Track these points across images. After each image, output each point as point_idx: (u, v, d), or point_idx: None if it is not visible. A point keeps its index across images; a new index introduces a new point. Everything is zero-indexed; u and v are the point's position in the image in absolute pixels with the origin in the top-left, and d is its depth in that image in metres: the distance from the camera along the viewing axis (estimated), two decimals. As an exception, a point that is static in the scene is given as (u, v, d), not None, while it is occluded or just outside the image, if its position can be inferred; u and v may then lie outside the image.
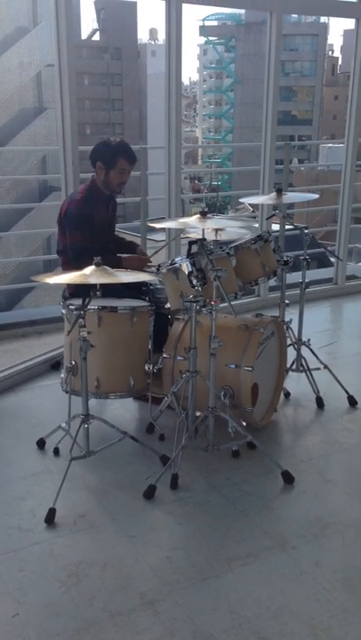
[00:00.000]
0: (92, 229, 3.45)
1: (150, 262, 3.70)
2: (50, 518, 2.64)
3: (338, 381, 3.77)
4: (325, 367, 3.78)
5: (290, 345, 3.71)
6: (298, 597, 2.26)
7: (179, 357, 3.27)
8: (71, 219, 3.44)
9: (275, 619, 2.17)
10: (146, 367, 3.19)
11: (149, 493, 2.81)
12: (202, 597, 2.26)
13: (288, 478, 2.94)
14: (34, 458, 3.14)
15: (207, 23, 51.19)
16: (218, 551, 2.49)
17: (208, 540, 2.56)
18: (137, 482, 2.90)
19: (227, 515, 2.72)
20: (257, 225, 5.34)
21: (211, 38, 52.50)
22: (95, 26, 43.43)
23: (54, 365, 4.12)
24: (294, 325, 3.78)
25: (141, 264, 3.60)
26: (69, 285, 3.53)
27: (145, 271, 3.39)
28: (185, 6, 4.46)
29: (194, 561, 2.43)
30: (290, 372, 3.77)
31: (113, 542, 2.54)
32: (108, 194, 3.60)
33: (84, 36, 42.53)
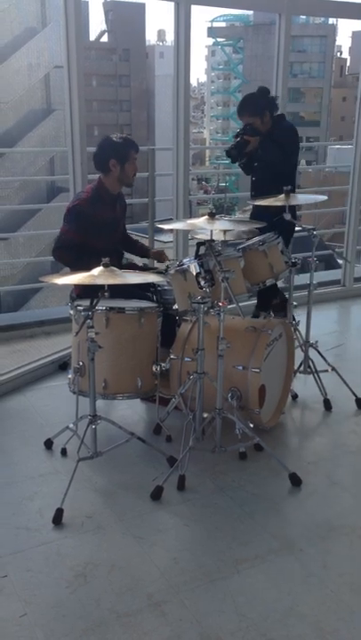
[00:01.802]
0: (92, 229, 3.47)
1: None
2: (57, 519, 2.65)
3: (345, 383, 3.76)
4: (333, 369, 3.77)
5: (297, 347, 3.70)
6: (305, 600, 2.26)
7: (186, 358, 3.27)
8: (71, 213, 3.48)
9: (282, 621, 2.16)
10: (153, 368, 3.20)
11: (156, 495, 2.81)
12: (209, 599, 2.26)
13: (295, 480, 2.93)
14: (41, 458, 3.15)
15: (215, 24, 51.21)
16: (225, 553, 2.48)
17: (215, 541, 2.56)
18: (144, 483, 2.90)
19: (234, 516, 2.71)
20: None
21: (219, 39, 52.47)
22: (103, 27, 43.53)
23: (62, 366, 4.13)
24: (302, 327, 3.78)
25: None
26: (77, 286, 3.53)
27: (152, 272, 3.41)
28: (194, 7, 4.46)
29: (201, 563, 2.43)
30: (297, 374, 3.76)
31: (120, 543, 2.55)
32: (116, 193, 3.62)
33: (92, 37, 42.61)
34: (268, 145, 3.87)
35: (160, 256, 3.91)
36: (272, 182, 3.89)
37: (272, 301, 4.25)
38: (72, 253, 3.46)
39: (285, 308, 4.00)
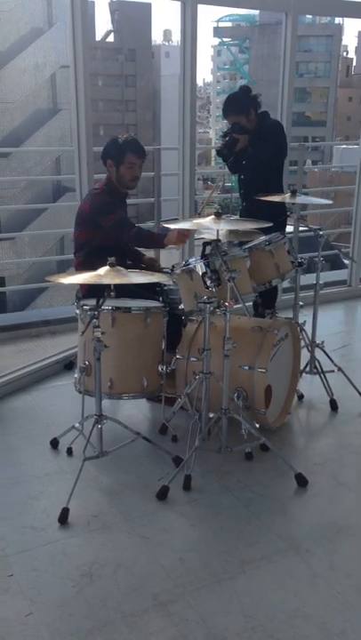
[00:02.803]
0: (118, 210, 3.48)
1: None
2: (63, 518, 2.65)
3: (352, 384, 3.75)
4: (339, 369, 3.76)
5: (304, 347, 3.70)
6: (311, 601, 2.25)
7: (192, 358, 3.26)
8: (98, 206, 3.47)
9: (288, 622, 2.15)
10: (159, 368, 3.19)
11: (162, 494, 2.81)
12: (215, 600, 2.25)
13: (301, 481, 2.93)
14: (47, 458, 3.15)
15: (221, 24, 51.21)
16: (231, 553, 2.48)
17: (221, 542, 2.56)
18: (150, 483, 2.90)
19: (240, 517, 2.71)
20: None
21: (225, 39, 52.49)
22: (109, 27, 43.56)
23: (68, 365, 4.13)
24: (308, 327, 3.77)
25: (181, 238, 3.51)
26: (83, 286, 3.54)
27: (159, 271, 3.41)
28: (200, 7, 4.46)
29: (207, 563, 2.43)
30: (303, 375, 3.75)
31: (126, 543, 2.54)
32: (125, 192, 3.62)
33: (98, 37, 42.62)
34: (257, 142, 3.89)
35: (152, 264, 3.85)
36: (261, 180, 3.91)
37: (275, 299, 4.25)
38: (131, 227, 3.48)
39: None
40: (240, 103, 3.97)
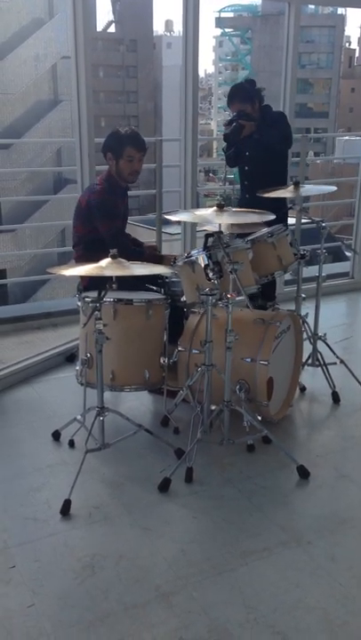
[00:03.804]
0: (118, 215, 3.47)
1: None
2: (65, 510, 2.65)
3: (354, 376, 3.75)
4: (341, 362, 3.76)
5: (306, 339, 3.69)
6: (313, 592, 2.25)
7: (194, 350, 3.26)
8: (97, 208, 3.45)
9: (290, 613, 2.16)
10: (161, 360, 3.19)
11: (164, 486, 2.81)
12: (217, 591, 2.26)
13: (303, 473, 2.93)
14: (49, 449, 3.15)
15: (223, 15, 50.90)
16: (233, 545, 2.48)
17: (223, 533, 2.56)
18: (152, 475, 2.90)
19: (242, 509, 2.71)
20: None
21: (227, 30, 52.18)
22: (111, 17, 43.30)
23: (69, 358, 4.13)
24: (310, 319, 3.76)
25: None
26: (84, 278, 3.53)
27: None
28: (202, -3, 4.42)
29: (209, 554, 2.43)
30: (306, 367, 3.75)
31: (128, 535, 2.55)
32: (125, 186, 3.60)
33: (99, 27, 42.38)
34: (264, 128, 3.88)
35: (153, 251, 3.83)
36: (268, 171, 3.89)
37: (275, 290, 4.24)
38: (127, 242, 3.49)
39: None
40: (246, 91, 3.98)
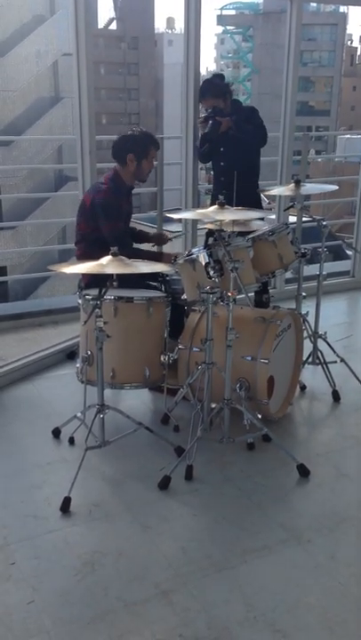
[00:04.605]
0: (121, 216, 3.48)
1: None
2: (65, 507, 2.66)
3: (354, 375, 3.75)
4: (342, 360, 3.76)
5: (306, 338, 3.69)
6: (313, 591, 2.26)
7: (195, 349, 3.26)
8: (102, 209, 3.45)
9: (289, 612, 2.16)
10: (161, 358, 3.19)
11: (164, 484, 2.81)
12: (216, 589, 2.26)
13: (303, 471, 2.93)
14: (49, 447, 3.15)
15: (225, 12, 50.77)
16: (232, 543, 2.49)
17: (223, 531, 2.56)
18: (152, 472, 2.91)
19: (241, 507, 2.72)
20: (274, 216, 5.31)
21: (228, 27, 52.05)
22: (112, 15, 43.26)
23: (70, 355, 4.13)
24: (311, 318, 3.76)
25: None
26: (85, 275, 3.53)
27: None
28: (204, -6, 4.41)
29: (208, 552, 2.44)
30: (306, 365, 3.75)
31: (128, 532, 2.55)
32: (130, 185, 3.61)
33: (100, 24, 42.35)
34: (241, 124, 3.89)
35: (160, 238, 3.88)
36: (246, 165, 3.89)
37: (268, 284, 4.28)
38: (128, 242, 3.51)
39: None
40: (218, 86, 4.01)
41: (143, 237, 3.86)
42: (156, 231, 4.00)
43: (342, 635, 2.08)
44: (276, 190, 4.27)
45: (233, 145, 3.97)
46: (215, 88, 3.99)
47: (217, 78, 4.11)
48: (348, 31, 53.39)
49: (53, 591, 2.25)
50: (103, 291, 2.77)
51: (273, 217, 5.29)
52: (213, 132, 3.89)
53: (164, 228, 4.74)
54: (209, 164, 4.46)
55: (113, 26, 43.12)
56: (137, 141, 3.51)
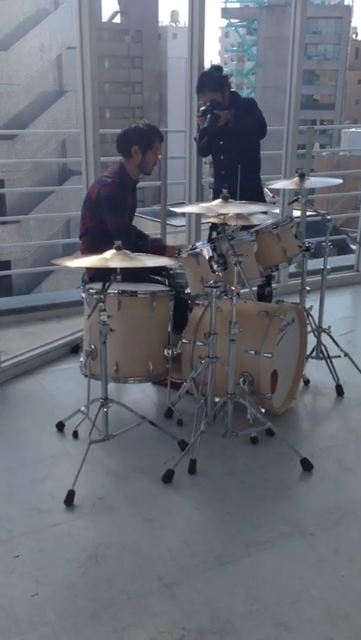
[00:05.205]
0: (126, 211, 3.48)
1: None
2: (69, 500, 2.66)
3: (358, 369, 3.75)
4: (346, 355, 3.75)
5: (310, 332, 3.69)
6: (316, 584, 2.26)
7: (198, 343, 3.26)
8: (107, 202, 3.44)
9: (292, 605, 2.17)
10: (165, 352, 3.19)
11: (167, 478, 2.82)
12: (219, 582, 2.27)
13: (307, 466, 2.93)
14: (53, 440, 3.16)
15: (229, 5, 50.53)
16: (235, 536, 2.49)
17: (226, 525, 2.57)
18: (155, 466, 2.91)
19: (245, 500, 2.72)
20: (278, 210, 5.30)
21: (233, 21, 51.81)
22: (116, 8, 43.12)
23: (74, 349, 4.14)
24: (315, 312, 3.76)
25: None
26: (89, 269, 3.53)
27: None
28: (208, -13, 4.39)
29: (211, 546, 2.44)
30: (310, 360, 3.75)
31: (131, 525, 2.56)
32: (136, 179, 3.61)
33: (104, 18, 42.13)
34: (240, 117, 3.85)
35: (157, 243, 3.82)
36: (247, 157, 3.86)
37: (271, 277, 4.26)
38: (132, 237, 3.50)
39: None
40: (216, 79, 3.96)
41: (141, 239, 3.77)
42: (152, 237, 3.93)
43: (345, 628, 2.09)
44: (281, 184, 4.26)
45: (232, 138, 3.94)
46: (213, 81, 3.94)
47: (215, 71, 4.06)
48: (353, 24, 53.00)
49: (57, 584, 2.26)
50: (107, 284, 2.77)
51: (277, 211, 5.29)
52: (212, 125, 3.85)
53: (167, 222, 4.74)
54: (210, 158, 4.43)
55: (117, 19, 42.95)
56: (141, 133, 3.50)
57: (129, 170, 3.54)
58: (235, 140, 3.94)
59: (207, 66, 4.42)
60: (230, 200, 3.08)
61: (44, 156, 20.06)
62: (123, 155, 3.53)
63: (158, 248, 3.62)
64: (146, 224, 5.23)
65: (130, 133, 3.51)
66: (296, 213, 5.20)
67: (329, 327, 3.77)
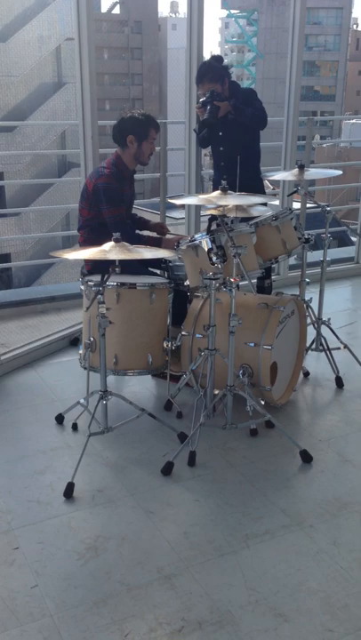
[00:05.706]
0: (123, 202, 3.46)
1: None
2: (68, 492, 2.67)
3: (358, 361, 3.75)
4: (345, 347, 3.75)
5: (310, 324, 3.68)
6: (315, 575, 2.27)
7: (198, 335, 3.26)
8: (103, 193, 3.43)
9: (291, 596, 2.18)
10: (164, 344, 3.19)
11: (167, 470, 2.82)
12: (219, 573, 2.27)
13: (306, 457, 2.94)
14: (52, 433, 3.17)
15: (229, -4, 50.26)
16: (235, 528, 2.50)
17: (225, 516, 2.57)
18: (155, 458, 2.92)
19: (244, 492, 2.72)
20: (277, 202, 5.28)
21: (233, 11, 51.51)
22: (115, -1, 42.78)
23: (73, 341, 4.14)
24: (314, 304, 3.75)
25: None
26: (88, 261, 3.52)
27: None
28: (208, -23, 4.36)
29: (211, 537, 2.45)
30: (309, 352, 3.75)
31: (131, 517, 2.57)
32: (133, 170, 3.59)
33: (103, 9, 41.89)
34: (240, 107, 3.82)
35: (160, 228, 3.86)
36: (243, 149, 3.84)
37: (270, 269, 4.25)
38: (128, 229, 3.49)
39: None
40: (216, 69, 3.92)
41: (143, 225, 3.83)
42: (158, 221, 3.95)
43: (344, 619, 2.09)
44: (280, 175, 4.24)
45: (232, 129, 3.91)
46: (213, 71, 3.90)
47: (215, 61, 4.01)
48: (353, 15, 52.73)
49: (57, 575, 2.26)
50: (106, 277, 2.76)
51: (277, 203, 5.27)
52: (212, 117, 3.82)
53: (167, 214, 4.73)
54: (210, 150, 4.40)
55: (116, 10, 42.68)
56: (136, 123, 3.47)
57: (125, 160, 3.52)
58: (234, 131, 3.91)
59: (207, 56, 4.38)
60: (229, 192, 3.07)
61: (43, 148, 20.01)
62: (118, 144, 3.51)
63: (157, 241, 3.61)
64: (145, 216, 5.22)
65: (125, 123, 3.49)
66: (296, 205, 5.19)
67: (329, 319, 3.77)
